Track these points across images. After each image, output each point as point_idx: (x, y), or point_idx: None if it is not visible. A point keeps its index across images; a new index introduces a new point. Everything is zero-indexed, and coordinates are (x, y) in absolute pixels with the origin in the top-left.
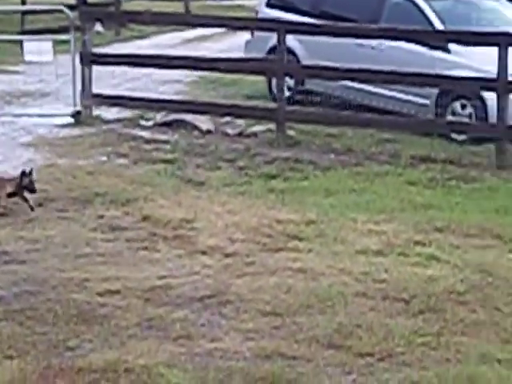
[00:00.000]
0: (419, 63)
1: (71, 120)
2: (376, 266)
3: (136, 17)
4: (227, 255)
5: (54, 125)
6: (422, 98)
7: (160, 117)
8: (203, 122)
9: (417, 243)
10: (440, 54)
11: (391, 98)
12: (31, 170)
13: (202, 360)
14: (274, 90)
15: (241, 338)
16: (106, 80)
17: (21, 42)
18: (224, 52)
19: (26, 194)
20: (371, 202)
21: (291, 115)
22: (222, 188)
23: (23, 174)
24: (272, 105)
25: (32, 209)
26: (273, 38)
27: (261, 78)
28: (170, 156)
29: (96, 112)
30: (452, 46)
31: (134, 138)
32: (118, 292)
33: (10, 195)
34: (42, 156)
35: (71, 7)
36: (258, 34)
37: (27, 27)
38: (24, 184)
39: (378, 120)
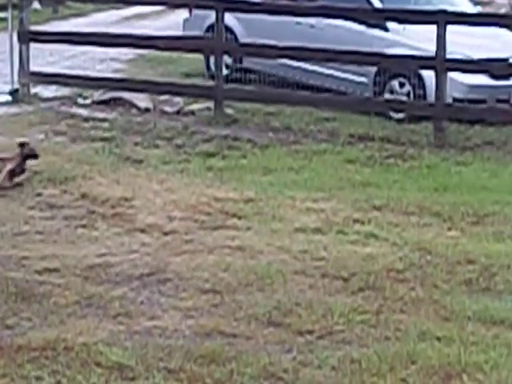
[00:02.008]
0: (358, 41)
1: (9, 98)
2: (315, 243)
3: None
4: (166, 233)
5: None
6: (361, 77)
7: (98, 95)
8: (141, 100)
9: (355, 221)
10: (378, 33)
11: (330, 76)
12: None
13: (141, 338)
14: (212, 68)
15: (180, 316)
16: (44, 58)
17: None
18: (162, 30)
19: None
20: (309, 180)
21: (229, 93)
22: (160, 166)
23: (21, 144)
24: (210, 83)
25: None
26: (211, 17)
27: (199, 57)
28: (107, 134)
29: (34, 90)
30: (390, 25)
31: (72, 116)
32: (56, 270)
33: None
34: None
35: None
36: (196, 12)
37: None
38: (26, 153)
39: (317, 98)
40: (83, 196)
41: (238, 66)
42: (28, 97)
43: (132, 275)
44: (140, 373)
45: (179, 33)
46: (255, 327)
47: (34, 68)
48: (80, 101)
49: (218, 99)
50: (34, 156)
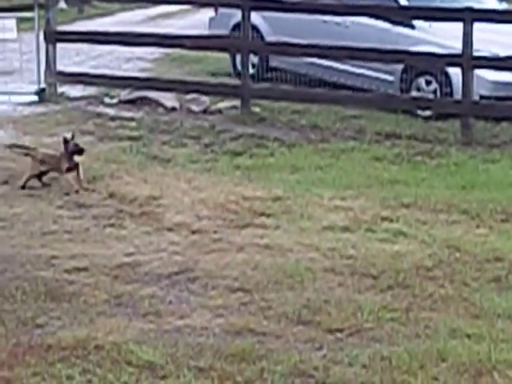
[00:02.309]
0: (384, 39)
1: (35, 98)
2: (343, 241)
3: None
4: (194, 232)
5: (18, 102)
6: (387, 75)
7: (124, 94)
8: (168, 99)
9: (384, 219)
10: (405, 30)
11: (356, 74)
12: (73, 134)
13: (171, 337)
14: (239, 67)
15: (210, 315)
16: (70, 58)
17: None
18: (188, 29)
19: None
20: (337, 178)
21: (256, 92)
22: (187, 165)
23: (65, 141)
24: (237, 82)
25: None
26: (236, 15)
27: (225, 56)
28: (135, 133)
29: (60, 89)
30: (416, 22)
31: (99, 115)
32: (85, 269)
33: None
34: (6, 134)
35: None
36: (221, 10)
37: None
38: (71, 149)
39: (343, 96)
40: (111, 195)
41: (265, 64)
42: (55, 96)
43: (161, 274)
44: (170, 371)
45: (205, 32)
46: (285, 325)
47: (60, 68)
48: (107, 100)
49: (244, 98)
50: (80, 151)
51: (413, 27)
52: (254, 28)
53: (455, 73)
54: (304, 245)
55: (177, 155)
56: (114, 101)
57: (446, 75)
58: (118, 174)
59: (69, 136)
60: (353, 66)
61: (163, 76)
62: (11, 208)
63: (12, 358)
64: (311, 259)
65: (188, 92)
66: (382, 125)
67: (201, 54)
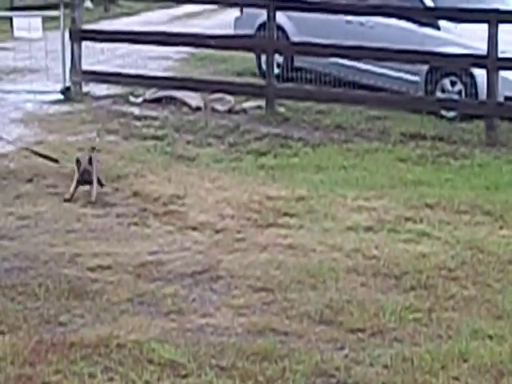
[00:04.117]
0: (409, 40)
1: (61, 96)
2: (367, 242)
3: None
4: (218, 231)
5: (43, 101)
6: (412, 75)
7: (149, 93)
8: (193, 98)
9: (407, 220)
10: (430, 31)
11: (381, 74)
12: (90, 157)
13: (193, 335)
14: (264, 66)
15: (232, 314)
16: (95, 56)
17: (10, 19)
18: (213, 29)
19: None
20: (361, 178)
21: (281, 92)
22: (212, 164)
23: (77, 161)
24: (262, 82)
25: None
26: (262, 15)
27: (250, 56)
28: (159, 132)
29: (85, 88)
30: (442, 23)
31: (124, 114)
32: (109, 267)
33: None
34: (31, 132)
35: None
36: (247, 10)
37: (17, 4)
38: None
39: (368, 97)
40: (135, 194)
41: (290, 64)
42: (80, 95)
43: (184, 273)
44: (192, 370)
45: (231, 32)
46: (307, 325)
47: (85, 66)
48: (132, 99)
49: (269, 98)
50: (87, 182)
51: (438, 28)
52: (280, 28)
53: (480, 74)
54: (327, 245)
55: (201, 154)
56: (139, 100)
57: (471, 76)
58: (143, 173)
59: (84, 155)
60: (378, 66)
61: (188, 76)
62: (35, 206)
63: (34, 356)
64: (334, 259)
65: (213, 91)
66: (407, 125)
67: (226, 53)
